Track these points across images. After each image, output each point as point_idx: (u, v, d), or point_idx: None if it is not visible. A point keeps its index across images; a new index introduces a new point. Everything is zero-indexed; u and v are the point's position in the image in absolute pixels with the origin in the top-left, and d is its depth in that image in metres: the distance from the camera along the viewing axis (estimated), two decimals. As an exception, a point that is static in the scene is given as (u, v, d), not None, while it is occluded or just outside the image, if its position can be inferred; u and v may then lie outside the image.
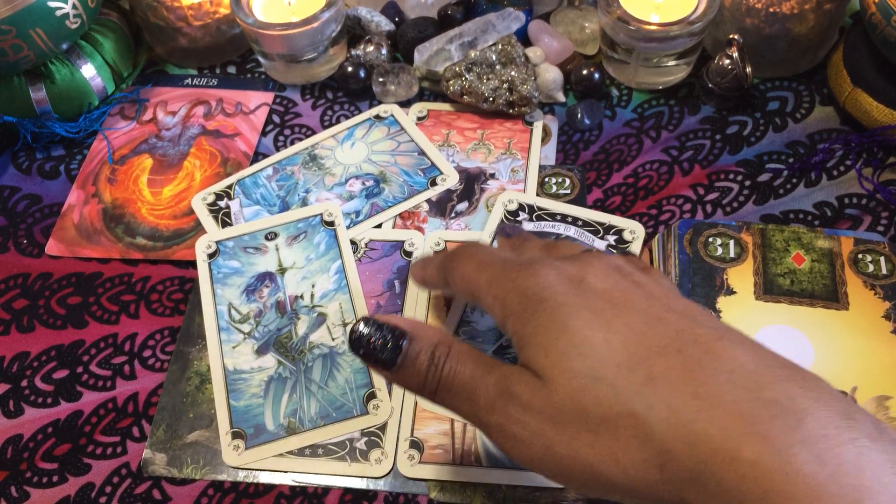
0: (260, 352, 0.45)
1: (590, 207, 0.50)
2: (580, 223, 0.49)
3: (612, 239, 0.48)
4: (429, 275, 0.36)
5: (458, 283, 0.32)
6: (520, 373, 0.27)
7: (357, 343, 0.30)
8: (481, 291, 0.30)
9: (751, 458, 0.21)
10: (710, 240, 0.46)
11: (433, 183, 0.52)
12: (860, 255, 0.44)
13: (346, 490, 0.41)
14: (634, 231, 0.48)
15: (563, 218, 0.49)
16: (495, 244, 0.48)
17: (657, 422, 0.23)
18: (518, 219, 0.49)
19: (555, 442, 0.25)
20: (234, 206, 0.52)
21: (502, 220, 0.49)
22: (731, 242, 0.45)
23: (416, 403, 0.43)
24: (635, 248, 0.47)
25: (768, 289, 0.43)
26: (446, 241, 0.49)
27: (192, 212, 0.52)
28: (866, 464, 0.20)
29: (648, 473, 0.23)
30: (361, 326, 0.29)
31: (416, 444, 0.41)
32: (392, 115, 0.57)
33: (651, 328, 0.25)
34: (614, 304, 0.27)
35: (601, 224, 0.49)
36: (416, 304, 0.46)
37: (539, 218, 0.49)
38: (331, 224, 0.50)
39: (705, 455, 0.22)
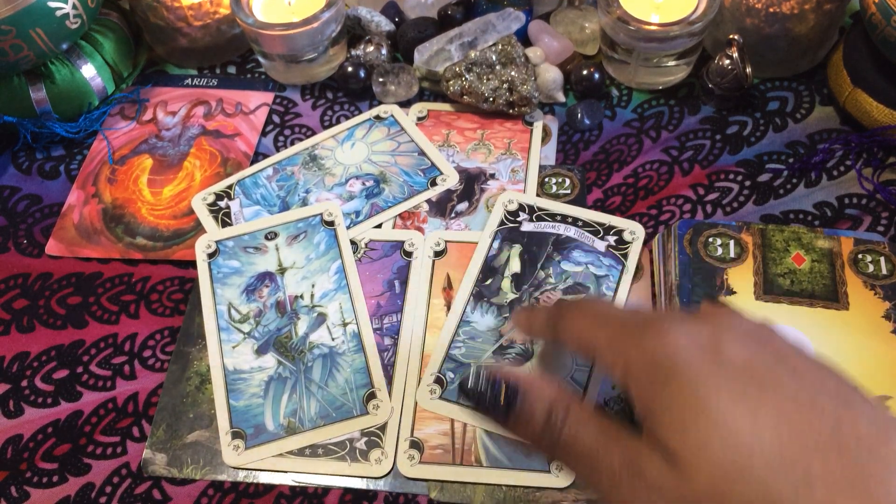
0: (260, 352, 0.45)
1: (589, 208, 0.51)
2: (580, 223, 0.49)
3: (612, 240, 0.48)
4: (536, 324, 0.34)
5: (571, 338, 0.30)
6: (649, 449, 0.24)
7: (468, 396, 0.28)
8: (600, 349, 0.28)
9: None
10: (710, 240, 0.46)
11: (433, 183, 0.52)
12: (860, 256, 0.44)
13: (346, 490, 0.41)
14: (634, 231, 0.48)
15: (564, 218, 0.49)
16: (496, 244, 0.48)
17: None
18: (518, 219, 0.49)
19: None
20: (235, 206, 0.52)
21: (503, 219, 0.49)
22: (731, 242, 0.45)
23: (415, 403, 0.43)
24: (635, 248, 0.47)
25: (768, 289, 0.43)
26: (446, 241, 0.49)
27: (192, 212, 0.52)
28: None
29: None
30: (472, 379, 0.28)
31: (416, 445, 0.41)
32: (392, 116, 0.57)
33: (804, 417, 0.23)
34: (759, 382, 0.24)
35: (601, 224, 0.49)
36: (416, 305, 0.46)
37: (539, 218, 0.49)
38: (331, 224, 0.50)
39: None
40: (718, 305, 0.37)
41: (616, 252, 0.47)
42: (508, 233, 0.49)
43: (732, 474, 0.22)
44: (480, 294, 0.46)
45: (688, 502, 0.23)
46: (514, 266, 0.47)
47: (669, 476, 0.23)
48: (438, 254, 0.48)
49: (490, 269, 0.47)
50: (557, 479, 0.40)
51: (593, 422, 0.27)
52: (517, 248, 0.48)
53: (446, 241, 0.49)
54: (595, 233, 0.48)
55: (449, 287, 0.47)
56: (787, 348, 0.26)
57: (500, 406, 0.28)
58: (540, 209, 0.50)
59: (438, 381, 0.43)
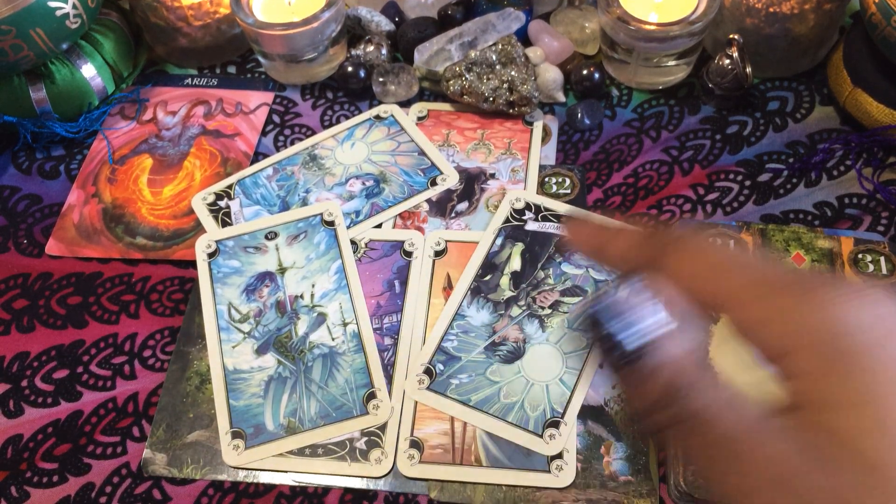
0: (260, 351, 0.45)
1: (589, 207, 0.51)
2: None
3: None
4: (619, 252, 0.26)
5: (686, 279, 0.24)
6: (837, 444, 0.20)
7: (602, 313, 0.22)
8: (736, 302, 0.22)
9: None
10: (711, 239, 0.46)
11: (433, 183, 0.52)
12: (860, 255, 0.44)
13: (347, 490, 0.41)
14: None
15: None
16: (498, 241, 0.48)
17: None
18: (523, 217, 0.49)
19: None
20: (234, 206, 0.52)
21: (508, 217, 0.49)
22: (732, 242, 0.45)
23: (416, 403, 0.43)
24: None
25: (768, 289, 0.43)
26: (447, 241, 0.49)
27: (192, 212, 0.52)
28: None
29: None
30: (620, 291, 0.22)
31: (416, 444, 0.41)
32: (392, 115, 0.57)
33: None
34: None
35: None
36: (417, 305, 0.46)
37: (544, 219, 0.49)
38: (331, 224, 0.50)
39: None
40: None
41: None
42: (512, 230, 0.49)
43: None
44: (478, 289, 0.46)
45: None
46: (515, 264, 0.47)
47: (865, 481, 0.19)
48: (439, 253, 0.48)
49: (490, 266, 0.47)
50: (557, 479, 0.40)
51: (733, 400, 0.21)
52: (519, 247, 0.48)
53: (447, 241, 0.49)
54: None
55: (449, 287, 0.47)
56: None
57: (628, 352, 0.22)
58: (546, 209, 0.50)
59: (428, 371, 0.43)
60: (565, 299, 0.46)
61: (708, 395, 0.21)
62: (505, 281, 0.47)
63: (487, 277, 0.47)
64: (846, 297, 0.21)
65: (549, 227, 0.49)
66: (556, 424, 0.41)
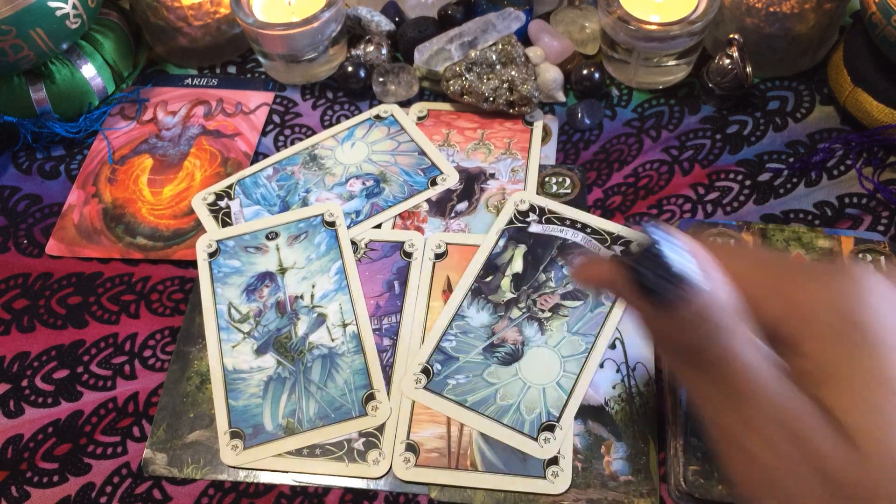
0: (259, 352, 0.45)
1: (590, 207, 0.50)
2: (589, 230, 0.48)
3: (618, 250, 0.47)
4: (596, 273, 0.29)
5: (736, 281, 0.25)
6: (820, 414, 0.21)
7: (651, 256, 0.24)
8: (765, 290, 0.23)
9: None
10: (711, 239, 0.46)
11: (433, 183, 0.52)
12: (861, 255, 0.44)
13: (347, 490, 0.41)
14: (642, 244, 0.47)
15: (573, 223, 0.49)
16: (501, 242, 0.48)
17: None
18: (527, 219, 0.49)
19: None
20: (235, 206, 0.52)
21: (512, 218, 0.49)
22: (732, 242, 0.45)
23: (412, 406, 0.43)
24: None
25: (768, 289, 0.43)
26: (447, 244, 0.49)
27: (192, 212, 0.52)
28: None
29: None
30: (668, 250, 0.24)
31: (412, 447, 0.41)
32: (392, 115, 0.57)
33: None
34: None
35: (610, 233, 0.48)
36: (416, 306, 0.46)
37: (548, 221, 0.49)
38: (332, 224, 0.50)
39: None
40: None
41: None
42: (516, 232, 0.49)
43: None
44: (479, 290, 0.46)
45: (861, 487, 0.20)
46: (517, 266, 0.47)
47: (841, 451, 0.20)
48: (439, 256, 0.48)
49: (492, 267, 0.47)
50: (552, 485, 0.40)
51: (758, 346, 0.22)
52: (522, 249, 0.48)
53: (447, 244, 0.49)
54: (602, 241, 0.48)
55: (449, 290, 0.47)
56: None
57: (684, 288, 0.23)
58: (550, 212, 0.49)
59: (425, 371, 0.43)
60: (566, 302, 0.45)
61: (737, 337, 0.22)
62: (506, 282, 0.47)
63: (489, 278, 0.47)
64: (862, 278, 0.21)
65: (553, 231, 0.49)
66: (551, 428, 0.41)
